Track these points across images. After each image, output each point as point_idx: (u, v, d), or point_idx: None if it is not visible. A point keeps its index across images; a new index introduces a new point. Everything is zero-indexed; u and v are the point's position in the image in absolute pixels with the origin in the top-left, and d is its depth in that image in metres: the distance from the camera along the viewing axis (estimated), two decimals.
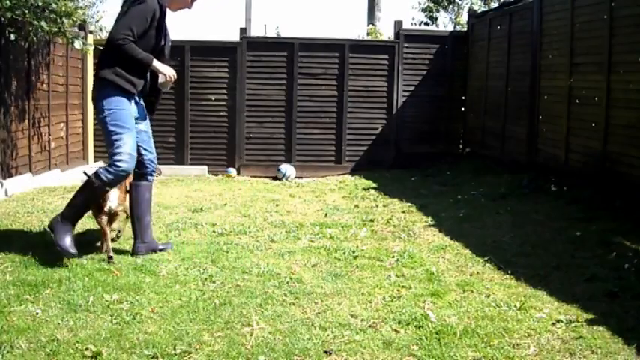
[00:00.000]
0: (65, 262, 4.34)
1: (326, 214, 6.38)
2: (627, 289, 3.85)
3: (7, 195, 6.91)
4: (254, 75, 9.61)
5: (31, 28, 6.97)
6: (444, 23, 17.22)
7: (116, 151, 4.38)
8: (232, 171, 9.54)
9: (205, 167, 9.59)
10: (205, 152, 9.69)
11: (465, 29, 10.37)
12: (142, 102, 4.69)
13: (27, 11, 6.74)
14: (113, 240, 4.77)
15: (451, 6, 16.62)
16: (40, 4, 6.95)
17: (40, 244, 4.83)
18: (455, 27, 15.34)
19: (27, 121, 7.55)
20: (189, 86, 9.56)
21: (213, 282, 4.06)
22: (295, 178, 9.37)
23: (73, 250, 4.36)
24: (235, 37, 9.83)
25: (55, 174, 8.16)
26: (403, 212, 6.49)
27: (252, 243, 5.10)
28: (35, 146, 7.78)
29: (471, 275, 4.29)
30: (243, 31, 10.05)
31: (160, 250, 4.72)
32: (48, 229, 4.55)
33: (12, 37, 6.80)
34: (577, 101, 6.81)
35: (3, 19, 6.73)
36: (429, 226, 5.83)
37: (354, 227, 5.72)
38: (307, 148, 9.74)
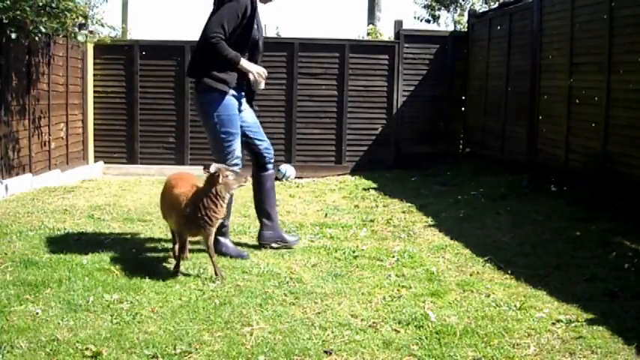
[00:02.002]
0: (65, 262, 4.34)
1: (326, 214, 6.38)
2: (627, 289, 3.85)
3: (7, 195, 6.91)
4: None
5: (32, 27, 6.97)
6: (446, 23, 17.24)
7: (229, 157, 4.52)
8: None
9: None
10: (205, 152, 9.62)
11: (466, 29, 10.36)
12: (243, 94, 4.69)
13: (28, 9, 6.74)
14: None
15: (453, 5, 16.63)
16: (41, 3, 6.95)
17: (41, 244, 4.84)
18: (456, 26, 15.35)
19: (27, 120, 7.55)
20: (189, 86, 9.55)
21: (213, 282, 4.06)
22: (295, 178, 9.36)
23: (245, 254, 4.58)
24: None
25: (55, 174, 8.16)
26: (403, 212, 6.49)
27: (252, 243, 5.10)
28: (35, 146, 7.78)
29: (471, 275, 4.29)
30: None
31: (287, 242, 4.80)
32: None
33: (13, 35, 6.80)
34: (577, 101, 6.81)
35: (4, 17, 6.73)
36: (429, 226, 5.82)
37: (354, 227, 5.72)
38: (307, 148, 9.74)
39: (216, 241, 4.47)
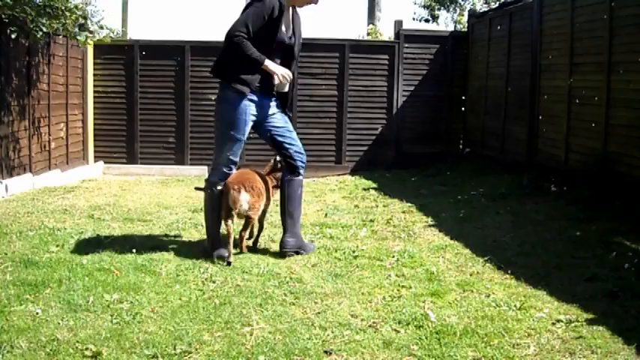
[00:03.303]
0: (65, 262, 4.34)
1: (326, 214, 6.38)
2: (627, 289, 3.85)
3: (7, 194, 6.91)
4: None
5: (32, 26, 6.98)
6: (445, 23, 17.24)
7: (220, 156, 4.61)
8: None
9: (205, 167, 9.56)
10: (205, 152, 9.67)
11: (466, 29, 10.36)
12: (272, 98, 4.68)
13: (28, 8, 6.75)
14: (249, 247, 4.82)
15: (453, 5, 16.63)
16: (40, 2, 6.96)
17: (41, 244, 4.84)
18: (456, 26, 15.35)
19: (27, 120, 7.55)
20: (189, 86, 9.56)
21: (213, 282, 4.06)
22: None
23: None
24: None
25: (55, 174, 8.16)
26: (403, 212, 6.49)
27: (252, 243, 5.10)
28: (35, 146, 7.78)
29: (471, 275, 4.29)
30: None
31: (307, 251, 4.74)
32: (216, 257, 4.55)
33: (13, 35, 6.80)
34: (577, 101, 6.81)
35: (3, 16, 6.74)
36: (429, 226, 5.82)
37: (354, 227, 5.72)
38: (307, 148, 9.55)
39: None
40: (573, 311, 3.56)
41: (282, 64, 4.57)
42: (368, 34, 11.96)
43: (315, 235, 5.43)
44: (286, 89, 4.63)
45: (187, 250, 4.80)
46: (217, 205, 4.62)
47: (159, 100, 9.63)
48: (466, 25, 10.54)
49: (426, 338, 3.20)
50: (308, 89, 9.66)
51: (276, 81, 4.50)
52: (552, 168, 7.24)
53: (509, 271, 4.30)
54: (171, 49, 9.57)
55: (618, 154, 6.02)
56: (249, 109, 4.52)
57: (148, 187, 8.18)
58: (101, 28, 8.49)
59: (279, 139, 4.73)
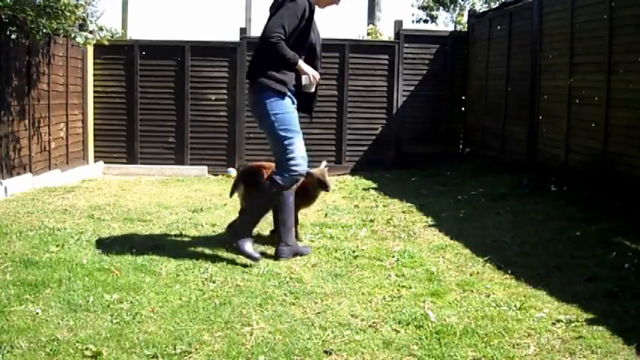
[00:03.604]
0: (65, 262, 4.34)
1: (326, 214, 6.38)
2: (627, 289, 3.85)
3: (7, 195, 6.91)
4: None
5: (32, 26, 6.98)
6: (445, 23, 17.24)
7: (289, 155, 4.44)
8: (232, 171, 9.54)
9: (205, 167, 9.59)
10: (205, 152, 9.69)
11: (466, 29, 10.37)
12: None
13: (28, 8, 6.75)
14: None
15: (452, 5, 16.62)
16: (40, 2, 6.95)
17: (41, 244, 4.84)
18: (456, 27, 15.35)
19: (27, 120, 7.55)
20: (189, 86, 9.56)
21: (213, 282, 4.06)
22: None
23: (256, 255, 4.47)
24: (235, 37, 9.83)
25: (55, 174, 8.16)
26: (403, 212, 6.49)
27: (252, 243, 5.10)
28: (35, 146, 7.78)
29: (471, 275, 4.29)
30: (243, 31, 10.05)
31: (302, 254, 4.70)
32: (227, 245, 4.59)
33: (13, 35, 6.80)
34: (577, 101, 6.81)
35: (3, 16, 6.74)
36: (429, 226, 5.82)
37: (354, 227, 5.72)
38: (307, 148, 9.59)
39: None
40: (573, 311, 3.56)
41: (307, 63, 4.56)
42: (368, 34, 11.96)
43: (315, 235, 5.43)
44: (313, 89, 4.64)
45: (187, 250, 4.80)
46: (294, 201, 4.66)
47: (159, 100, 9.63)
48: (466, 25, 10.54)
49: (426, 338, 3.20)
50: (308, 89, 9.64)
51: (305, 81, 4.51)
52: (552, 168, 7.24)
53: (509, 271, 4.30)
54: (171, 49, 9.57)
55: (618, 154, 6.02)
56: (291, 103, 4.53)
57: (148, 187, 8.18)
58: (101, 29, 8.49)
59: None
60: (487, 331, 3.30)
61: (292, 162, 4.44)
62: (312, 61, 4.61)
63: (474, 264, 4.55)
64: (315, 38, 4.62)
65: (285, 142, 4.44)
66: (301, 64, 4.44)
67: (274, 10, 4.44)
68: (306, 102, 4.73)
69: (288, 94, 4.48)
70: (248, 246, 4.47)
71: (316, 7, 4.57)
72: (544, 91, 7.61)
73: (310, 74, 4.50)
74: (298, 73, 4.49)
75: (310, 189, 4.88)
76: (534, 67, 7.76)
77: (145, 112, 9.62)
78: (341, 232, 5.55)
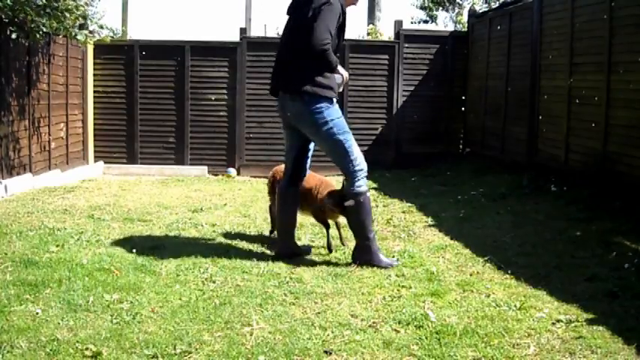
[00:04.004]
0: (65, 262, 4.34)
1: None
2: (627, 289, 3.85)
3: (7, 195, 6.91)
4: (254, 75, 9.61)
5: (32, 26, 6.98)
6: (445, 23, 17.24)
7: (352, 157, 4.45)
8: (232, 171, 9.54)
9: (205, 167, 9.59)
10: (205, 152, 9.69)
11: (466, 29, 10.37)
12: None
13: (28, 8, 6.75)
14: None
15: (451, 5, 16.62)
16: (41, 3, 6.95)
17: (41, 244, 4.83)
18: (456, 26, 15.35)
19: (27, 120, 7.55)
20: (189, 86, 9.56)
21: (213, 282, 4.06)
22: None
23: (395, 262, 4.50)
24: (235, 37, 9.83)
25: (55, 174, 8.16)
26: (403, 212, 6.49)
27: (252, 243, 5.10)
28: (35, 146, 7.78)
29: (471, 275, 4.29)
30: (243, 31, 10.06)
31: (299, 253, 4.70)
32: (358, 262, 4.49)
33: (13, 35, 6.80)
34: (577, 101, 6.81)
35: (3, 16, 6.74)
36: (429, 226, 5.82)
37: None
38: None
39: None
40: (573, 311, 3.56)
41: None
42: (368, 34, 11.96)
43: (316, 235, 5.43)
44: (342, 89, 4.67)
45: (187, 250, 4.80)
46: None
47: (159, 100, 9.63)
48: (466, 25, 10.54)
49: (426, 338, 3.20)
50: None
51: (339, 80, 4.51)
52: (552, 168, 7.24)
53: (509, 271, 4.30)
54: (171, 49, 9.57)
55: (618, 154, 6.02)
56: (338, 106, 4.54)
57: (148, 187, 8.18)
58: (101, 27, 8.49)
59: (309, 152, 4.74)
60: (487, 331, 3.30)
61: (356, 162, 4.47)
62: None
63: (474, 264, 4.55)
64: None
65: (346, 146, 4.44)
66: (338, 67, 4.45)
67: (307, 10, 4.30)
68: None
69: (336, 97, 4.49)
70: (384, 259, 4.48)
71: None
72: (544, 91, 7.61)
73: (345, 76, 4.54)
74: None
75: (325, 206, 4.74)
76: (534, 67, 7.75)
77: (145, 112, 9.62)
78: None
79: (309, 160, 4.80)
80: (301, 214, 4.93)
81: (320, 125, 4.39)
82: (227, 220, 6.02)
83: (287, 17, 4.62)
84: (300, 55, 4.34)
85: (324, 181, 4.93)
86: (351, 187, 4.48)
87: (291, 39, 4.47)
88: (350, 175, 4.49)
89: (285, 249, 4.70)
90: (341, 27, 4.41)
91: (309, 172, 4.86)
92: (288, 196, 4.74)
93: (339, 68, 4.48)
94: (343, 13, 4.39)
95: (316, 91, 4.33)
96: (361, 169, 4.50)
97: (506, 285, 4.06)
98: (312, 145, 4.73)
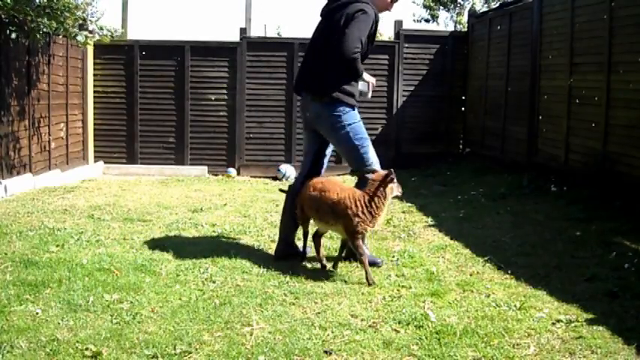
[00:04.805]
0: (65, 262, 4.34)
1: None
2: (627, 289, 3.85)
3: (7, 195, 6.91)
4: (254, 75, 9.61)
5: (32, 26, 6.98)
6: (445, 23, 17.25)
7: (367, 163, 4.52)
8: (232, 171, 9.55)
9: (205, 167, 9.59)
10: (205, 152, 9.69)
11: (466, 29, 10.37)
12: None
13: (28, 8, 6.75)
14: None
15: (453, 5, 16.63)
16: (41, 3, 6.95)
17: (41, 244, 4.84)
18: (456, 26, 15.35)
19: (27, 120, 7.55)
20: (189, 86, 9.56)
21: (213, 282, 4.06)
22: (295, 178, 9.35)
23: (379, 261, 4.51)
24: (235, 37, 9.84)
25: (55, 174, 8.16)
26: (403, 212, 6.49)
27: (252, 243, 5.10)
28: (35, 146, 7.78)
29: (471, 275, 4.29)
30: (243, 31, 10.05)
31: (300, 253, 4.68)
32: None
33: (13, 35, 6.80)
34: (577, 101, 6.81)
35: (3, 16, 6.74)
36: (429, 226, 5.82)
37: None
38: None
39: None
40: (573, 311, 3.56)
41: None
42: None
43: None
44: (369, 96, 4.69)
45: (187, 250, 4.80)
46: None
47: (159, 100, 9.63)
48: (466, 25, 10.54)
49: (426, 338, 3.20)
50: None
51: (363, 88, 4.55)
52: (552, 168, 7.24)
53: (509, 271, 4.30)
54: (171, 49, 9.57)
55: (618, 154, 6.02)
56: (357, 112, 4.57)
57: (148, 187, 8.18)
58: (101, 29, 8.49)
59: (326, 151, 4.76)
60: (487, 331, 3.30)
61: (369, 168, 4.53)
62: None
63: (474, 264, 4.55)
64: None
65: (361, 151, 4.50)
66: (364, 74, 4.48)
67: (339, 17, 4.34)
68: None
69: (356, 105, 4.53)
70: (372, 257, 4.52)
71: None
72: (544, 91, 7.61)
73: (371, 82, 4.55)
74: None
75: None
76: (534, 67, 7.76)
77: (145, 112, 9.63)
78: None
79: (326, 163, 4.81)
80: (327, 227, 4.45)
81: (337, 129, 4.46)
82: (227, 220, 6.02)
83: (319, 19, 4.65)
84: (328, 59, 4.40)
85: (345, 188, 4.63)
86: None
87: (320, 42, 4.51)
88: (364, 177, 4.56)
89: (284, 248, 4.70)
90: (372, 35, 4.43)
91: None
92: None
93: (365, 75, 4.50)
94: (376, 22, 4.41)
95: (338, 96, 4.39)
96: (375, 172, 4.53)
97: (506, 285, 4.06)
98: (329, 150, 4.76)
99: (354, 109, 4.49)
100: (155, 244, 4.94)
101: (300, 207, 4.51)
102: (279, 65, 9.62)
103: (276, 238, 5.27)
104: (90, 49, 9.28)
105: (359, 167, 4.56)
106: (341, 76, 4.39)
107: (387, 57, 9.76)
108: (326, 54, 4.40)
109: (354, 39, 4.24)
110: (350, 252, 4.54)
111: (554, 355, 3.04)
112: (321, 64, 4.46)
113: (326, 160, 4.81)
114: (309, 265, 4.49)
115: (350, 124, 4.44)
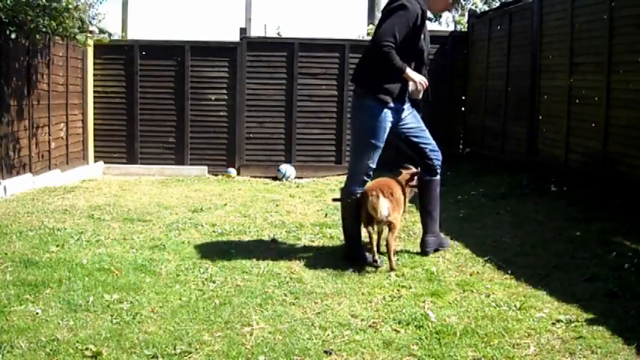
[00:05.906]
0: (65, 262, 4.34)
1: (326, 214, 6.38)
2: (627, 289, 3.85)
3: (7, 195, 6.91)
4: (254, 75, 9.61)
5: (32, 26, 6.98)
6: (446, 23, 17.24)
7: (359, 162, 4.60)
8: (232, 171, 9.54)
9: (205, 167, 9.59)
10: (205, 152, 9.69)
11: (466, 29, 10.36)
12: (406, 101, 4.63)
13: (28, 8, 6.75)
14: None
15: (455, 4, 16.60)
16: (41, 3, 6.95)
17: (41, 244, 4.84)
18: (456, 26, 15.34)
19: (27, 121, 7.55)
20: (189, 86, 9.56)
21: (213, 282, 4.06)
22: (295, 178, 9.36)
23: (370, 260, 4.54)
24: (235, 37, 9.83)
25: (55, 174, 8.16)
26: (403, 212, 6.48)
27: (252, 243, 5.10)
28: (35, 146, 7.78)
29: (471, 275, 4.29)
30: (243, 31, 10.05)
31: (445, 247, 4.80)
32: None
33: (13, 35, 6.80)
34: (577, 101, 6.81)
35: (4, 17, 6.74)
36: None
37: None
38: (307, 148, 9.73)
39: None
40: (573, 311, 3.56)
41: (413, 69, 4.51)
42: (368, 34, 11.94)
43: (315, 235, 5.43)
44: (420, 96, 4.63)
45: (187, 250, 4.80)
46: (358, 214, 4.52)
47: (159, 100, 9.63)
48: (466, 25, 10.53)
49: (426, 338, 3.20)
50: (308, 89, 9.65)
51: (412, 87, 4.50)
52: (552, 168, 7.24)
53: (509, 271, 4.30)
54: (171, 49, 9.57)
55: (618, 154, 6.02)
56: (388, 116, 4.48)
57: (148, 187, 8.18)
58: (102, 32, 8.50)
59: (414, 139, 4.77)
60: (487, 331, 3.30)
61: (356, 168, 4.60)
62: (418, 68, 4.55)
63: (474, 264, 4.55)
64: (425, 44, 4.56)
65: (361, 150, 4.58)
66: (409, 71, 4.39)
67: (385, 14, 4.37)
68: (413, 101, 4.75)
69: (391, 104, 4.43)
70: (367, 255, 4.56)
71: (428, 12, 4.58)
72: (544, 91, 7.61)
73: (418, 81, 4.47)
74: (406, 80, 4.45)
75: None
76: (534, 67, 7.75)
77: (145, 112, 9.62)
78: (341, 232, 5.53)
79: (426, 144, 4.89)
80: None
81: (354, 119, 4.61)
82: (227, 220, 6.02)
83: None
84: (368, 54, 4.48)
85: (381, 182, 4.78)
86: (347, 185, 4.63)
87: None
88: (350, 176, 4.63)
89: (434, 239, 4.78)
90: (418, 34, 4.37)
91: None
92: (429, 185, 4.99)
93: (413, 74, 4.40)
94: (423, 19, 4.35)
95: (372, 90, 4.40)
96: (355, 181, 4.58)
97: (506, 285, 4.06)
98: (412, 130, 4.76)
99: (383, 108, 4.40)
100: (155, 244, 4.95)
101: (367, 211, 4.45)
102: (279, 65, 9.62)
103: (276, 237, 5.29)
104: (90, 50, 9.28)
105: (353, 162, 4.64)
106: (378, 69, 4.37)
107: None
108: (367, 47, 4.50)
109: (386, 33, 4.25)
110: (348, 252, 4.56)
111: (554, 355, 3.04)
112: (363, 56, 4.55)
113: (424, 142, 4.88)
114: (309, 265, 4.49)
115: (367, 122, 4.44)
